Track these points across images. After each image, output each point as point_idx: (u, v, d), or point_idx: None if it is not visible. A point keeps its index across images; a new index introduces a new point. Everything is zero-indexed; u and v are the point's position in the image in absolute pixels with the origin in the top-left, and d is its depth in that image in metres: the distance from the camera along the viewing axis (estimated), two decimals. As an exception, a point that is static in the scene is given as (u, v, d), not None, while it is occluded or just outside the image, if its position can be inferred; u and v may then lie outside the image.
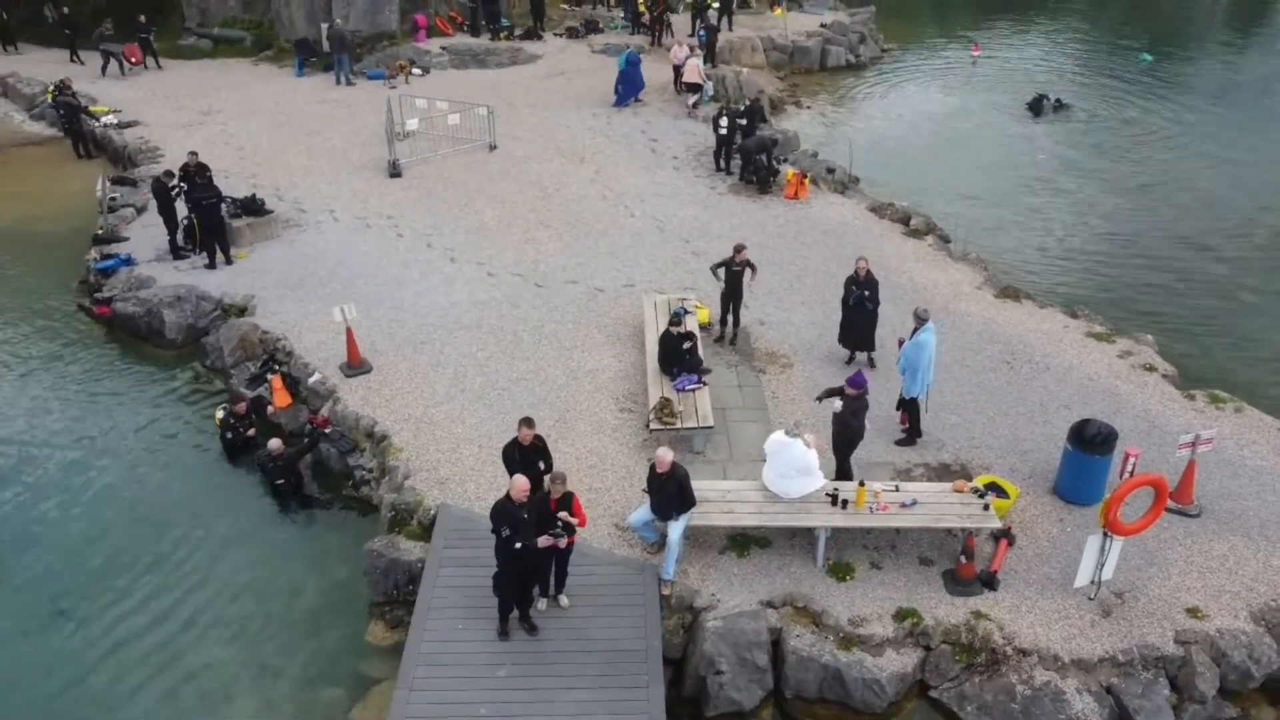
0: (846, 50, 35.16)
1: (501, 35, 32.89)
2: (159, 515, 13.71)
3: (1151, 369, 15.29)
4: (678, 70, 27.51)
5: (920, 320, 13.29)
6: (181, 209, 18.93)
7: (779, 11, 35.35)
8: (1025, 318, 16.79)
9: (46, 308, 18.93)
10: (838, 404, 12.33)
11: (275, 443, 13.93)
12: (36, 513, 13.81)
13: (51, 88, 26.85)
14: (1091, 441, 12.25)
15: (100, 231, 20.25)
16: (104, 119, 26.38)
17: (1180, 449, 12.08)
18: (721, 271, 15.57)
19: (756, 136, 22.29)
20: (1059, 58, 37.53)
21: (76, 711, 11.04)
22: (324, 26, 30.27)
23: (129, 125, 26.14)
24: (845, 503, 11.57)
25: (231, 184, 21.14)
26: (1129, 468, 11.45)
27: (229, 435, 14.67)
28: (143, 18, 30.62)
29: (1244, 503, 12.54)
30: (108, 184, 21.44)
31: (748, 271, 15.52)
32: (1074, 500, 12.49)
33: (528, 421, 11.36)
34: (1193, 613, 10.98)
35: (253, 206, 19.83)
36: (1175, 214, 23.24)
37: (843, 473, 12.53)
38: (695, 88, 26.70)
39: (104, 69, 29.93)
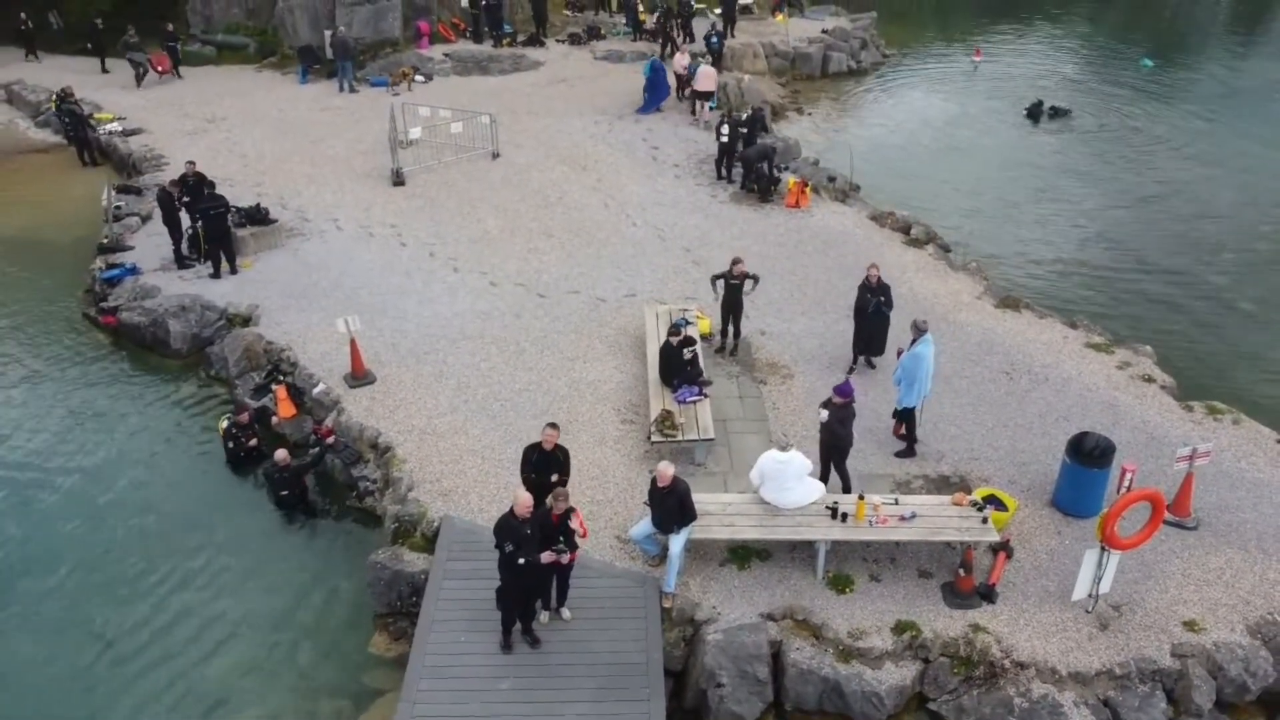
0: (848, 56, 35.28)
1: (504, 42, 33.03)
2: (163, 525, 13.82)
3: (1150, 380, 15.38)
4: (680, 78, 27.60)
5: (919, 331, 13.39)
6: (185, 219, 19.06)
7: (780, 18, 35.46)
8: (1025, 328, 16.88)
9: (52, 316, 19.05)
10: (824, 413, 12.45)
11: (282, 453, 14.03)
12: (41, 522, 13.92)
13: (54, 96, 26.97)
14: (1089, 454, 12.35)
15: (105, 240, 20.36)
16: (108, 127, 26.52)
17: (1178, 462, 12.17)
18: (720, 284, 15.68)
19: (758, 145, 22.42)
20: (1060, 63, 37.62)
21: (83, 722, 11.16)
22: (327, 33, 30.41)
23: (133, 133, 26.28)
24: (845, 516, 11.67)
25: (236, 192, 21.28)
26: (1126, 483, 11.53)
27: (231, 445, 14.78)
28: (170, 26, 30.81)
29: (1241, 515, 12.63)
30: (113, 192, 21.57)
31: (748, 282, 15.63)
32: (1072, 513, 12.58)
33: (553, 425, 11.53)
34: (1190, 626, 11.07)
35: (257, 216, 19.97)
36: (1174, 223, 23.31)
37: (829, 478, 12.62)
38: (707, 95, 26.79)
39: (138, 79, 30.00)
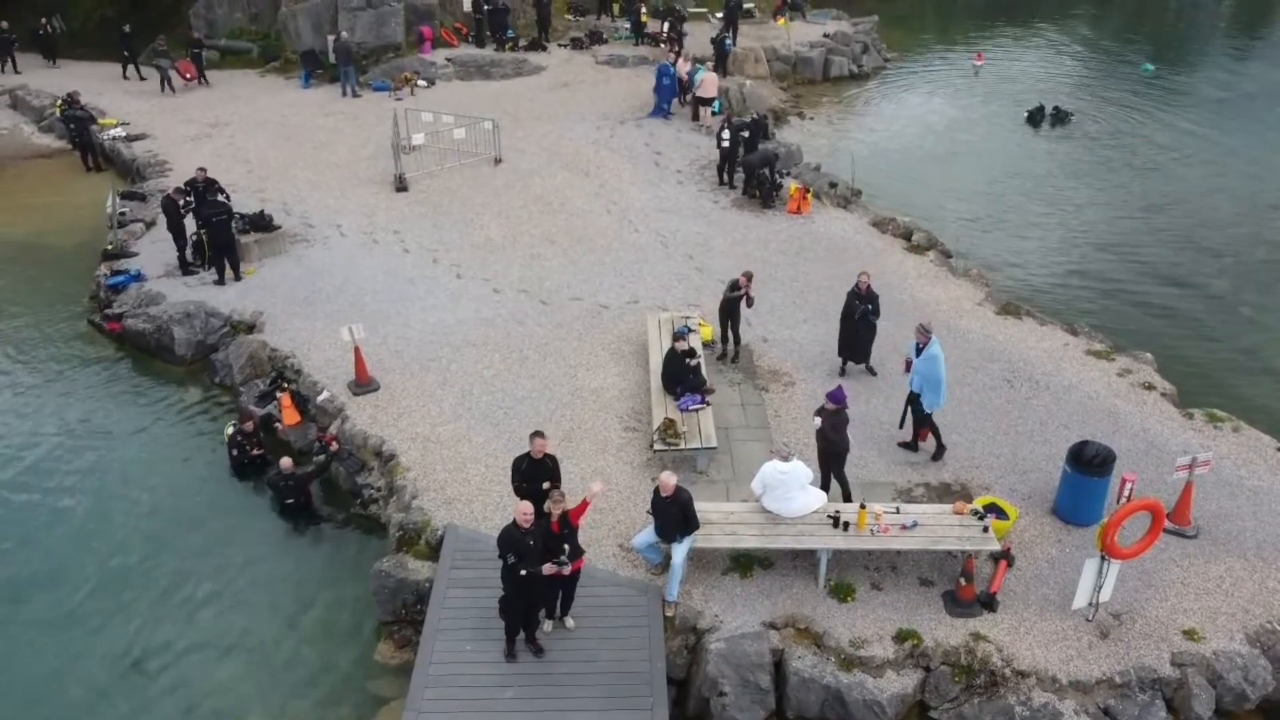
0: (849, 60, 35.34)
1: (506, 46, 33.10)
2: (168, 532, 13.91)
3: (1150, 387, 15.44)
4: (682, 83, 27.67)
5: (926, 334, 13.41)
6: (191, 224, 19.15)
7: (782, 22, 35.48)
8: (1026, 335, 16.95)
9: (57, 322, 19.15)
10: (818, 421, 12.52)
11: (286, 461, 14.12)
12: (44, 528, 14.01)
13: (60, 101, 27.05)
14: (1090, 463, 12.42)
15: (110, 247, 20.47)
16: (111, 132, 26.61)
17: (1177, 471, 12.25)
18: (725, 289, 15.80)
19: (760, 150, 22.48)
20: (1061, 67, 37.68)
21: (90, 730, 11.24)
22: (330, 38, 30.52)
23: (137, 138, 26.38)
24: (847, 525, 11.74)
25: (240, 198, 21.37)
26: (1126, 493, 11.60)
27: (236, 453, 14.87)
28: (197, 34, 30.85)
29: (1241, 524, 12.69)
30: (117, 199, 21.66)
31: (745, 300, 15.69)
32: (1072, 521, 12.64)
33: (539, 434, 11.59)
34: (1189, 634, 11.14)
35: (261, 222, 20.05)
36: (1175, 229, 23.35)
37: (830, 485, 12.70)
38: (709, 101, 26.85)
39: (163, 85, 30.07)
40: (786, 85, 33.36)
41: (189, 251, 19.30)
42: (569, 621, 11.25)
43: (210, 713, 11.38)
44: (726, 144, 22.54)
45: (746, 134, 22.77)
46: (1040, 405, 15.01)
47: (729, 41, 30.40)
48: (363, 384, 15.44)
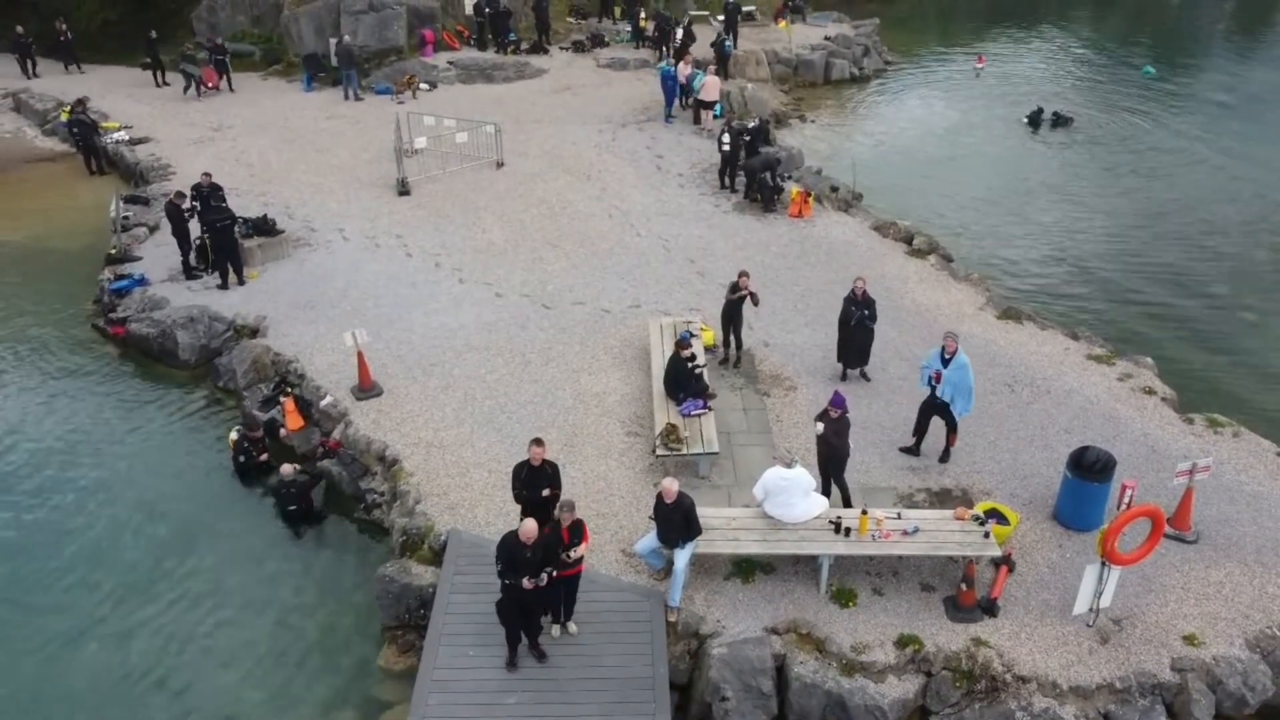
0: (850, 63, 35.42)
1: (508, 49, 33.16)
2: (172, 537, 13.97)
3: (1151, 392, 15.48)
4: (683, 87, 27.72)
5: (954, 342, 13.43)
6: (194, 228, 19.21)
7: (783, 25, 35.56)
8: (1027, 339, 17.00)
9: (61, 326, 19.21)
10: (819, 426, 12.58)
11: (288, 468, 14.17)
12: (48, 532, 14.06)
13: (68, 106, 27.09)
14: (1090, 469, 12.47)
15: (113, 251, 20.52)
16: (115, 135, 26.68)
17: (1177, 476, 12.29)
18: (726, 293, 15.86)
19: (761, 154, 22.53)
20: (1063, 69, 37.74)
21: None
22: (332, 41, 30.61)
23: (140, 142, 26.45)
24: (848, 530, 11.80)
25: (242, 202, 21.45)
26: (1126, 499, 11.63)
27: (241, 458, 14.92)
28: (219, 40, 30.96)
29: (1241, 529, 12.73)
30: (121, 203, 21.71)
31: (749, 299, 15.74)
32: (1073, 526, 12.69)
33: (538, 441, 11.64)
34: (1189, 640, 11.18)
35: (264, 226, 20.11)
36: (1176, 233, 23.39)
37: (830, 491, 12.75)
38: (711, 104, 26.92)
39: (185, 90, 30.13)
40: (788, 88, 33.46)
41: (193, 256, 19.37)
42: (571, 626, 11.31)
43: (213, 718, 11.42)
44: (727, 148, 22.59)
45: (748, 138, 22.83)
46: (1041, 410, 15.05)
47: (729, 44, 30.47)
48: (366, 389, 15.49)
